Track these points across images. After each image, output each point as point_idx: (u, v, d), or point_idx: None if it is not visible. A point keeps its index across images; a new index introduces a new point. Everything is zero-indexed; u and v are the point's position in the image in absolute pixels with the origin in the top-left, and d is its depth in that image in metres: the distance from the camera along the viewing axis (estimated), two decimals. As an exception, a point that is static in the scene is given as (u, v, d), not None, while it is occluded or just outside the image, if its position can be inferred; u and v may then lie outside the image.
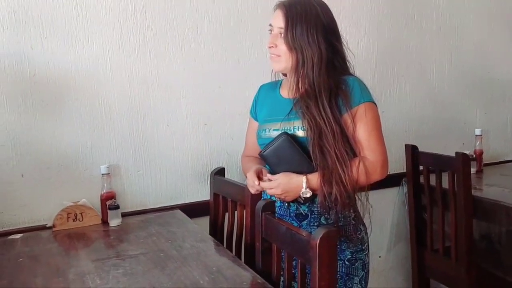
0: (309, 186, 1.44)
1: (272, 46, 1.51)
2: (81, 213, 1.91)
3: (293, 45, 1.47)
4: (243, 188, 1.75)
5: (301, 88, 1.50)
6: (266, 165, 1.58)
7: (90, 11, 1.93)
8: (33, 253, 1.65)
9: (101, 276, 1.44)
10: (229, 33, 2.16)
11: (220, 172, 2.02)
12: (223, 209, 1.96)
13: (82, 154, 1.97)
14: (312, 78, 1.47)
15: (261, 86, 1.74)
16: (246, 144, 1.78)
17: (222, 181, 1.97)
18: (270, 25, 1.54)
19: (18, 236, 1.82)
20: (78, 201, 1.93)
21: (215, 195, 2.00)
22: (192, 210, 2.07)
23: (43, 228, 1.89)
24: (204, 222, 2.04)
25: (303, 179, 1.44)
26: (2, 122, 1.84)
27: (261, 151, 1.53)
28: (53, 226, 1.88)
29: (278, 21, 1.50)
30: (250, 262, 1.59)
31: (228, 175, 2.07)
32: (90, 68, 1.95)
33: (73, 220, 1.90)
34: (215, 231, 1.96)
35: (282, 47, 1.49)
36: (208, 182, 2.09)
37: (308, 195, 1.44)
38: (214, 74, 2.16)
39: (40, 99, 1.89)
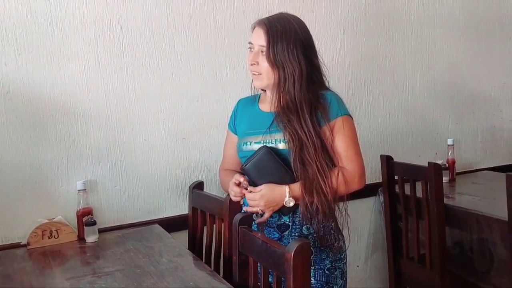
0: (292, 196, 1.47)
1: (254, 64, 1.55)
2: (56, 230, 1.89)
3: (275, 62, 1.51)
4: (222, 202, 1.76)
5: (282, 102, 1.53)
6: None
7: (66, 28, 1.93)
8: (6, 272, 1.63)
9: (78, 294, 1.43)
10: (206, 48, 2.19)
11: (199, 185, 2.03)
12: (201, 223, 1.96)
13: (58, 170, 1.96)
14: (294, 93, 1.51)
15: (239, 100, 1.76)
16: (224, 157, 1.80)
17: (200, 195, 1.98)
18: (250, 42, 1.57)
19: (-9, 255, 1.80)
20: (54, 218, 1.91)
21: (193, 209, 2.00)
22: (171, 224, 2.07)
23: (18, 246, 1.87)
24: (183, 236, 2.04)
25: (285, 188, 1.48)
26: (-19, 139, 1.82)
27: (242, 165, 1.55)
28: (28, 244, 1.85)
29: (259, 39, 1.53)
30: (228, 276, 1.60)
31: (206, 189, 2.07)
32: (66, 84, 1.95)
33: (48, 238, 1.88)
34: (194, 245, 1.96)
35: (264, 65, 1.53)
36: (187, 196, 2.10)
37: (292, 203, 1.48)
38: (191, 88, 2.17)
39: (14, 116, 1.88)
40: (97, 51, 2.00)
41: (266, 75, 1.55)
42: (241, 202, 1.60)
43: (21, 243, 1.86)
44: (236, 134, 1.73)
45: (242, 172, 1.58)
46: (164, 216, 2.14)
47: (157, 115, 2.13)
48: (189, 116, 2.18)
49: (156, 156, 2.13)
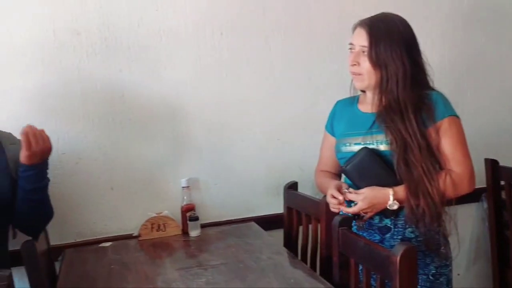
0: (396, 198, 1.47)
1: (355, 64, 1.56)
2: (163, 224, 2.04)
3: (377, 62, 1.51)
4: (318, 203, 1.80)
5: (384, 102, 1.54)
6: (346, 180, 1.62)
7: (171, 35, 2.06)
8: (123, 261, 1.79)
9: (186, 284, 1.54)
10: (301, 49, 2.22)
11: (293, 186, 2.08)
12: (296, 223, 2.01)
13: (165, 168, 2.10)
14: (397, 93, 1.51)
15: (337, 102, 1.79)
16: (320, 159, 1.83)
17: (295, 195, 2.02)
18: (351, 43, 1.59)
19: (108, 244, 1.98)
20: (161, 212, 2.06)
21: (288, 209, 2.06)
22: (266, 222, 2.14)
23: (130, 237, 2.03)
24: (278, 235, 2.09)
25: (389, 191, 1.48)
26: (95, 138, 2.02)
27: (342, 166, 1.58)
28: (139, 235, 2.02)
29: (361, 39, 1.54)
30: (325, 275, 1.63)
31: (300, 189, 2.11)
32: (172, 89, 2.09)
33: (157, 230, 2.03)
34: (289, 244, 2.01)
35: (365, 65, 1.54)
36: (281, 196, 2.16)
37: (395, 207, 1.48)
38: (286, 90, 2.22)
39: (128, 118, 2.05)
40: (200, 56, 2.11)
41: (367, 75, 1.55)
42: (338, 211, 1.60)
43: (133, 235, 2.03)
44: (333, 135, 1.75)
45: (342, 173, 1.61)
46: (260, 214, 2.21)
47: (254, 116, 2.21)
48: (284, 118, 2.23)
49: (252, 156, 2.22)
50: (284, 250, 1.82)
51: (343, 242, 1.47)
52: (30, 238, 1.61)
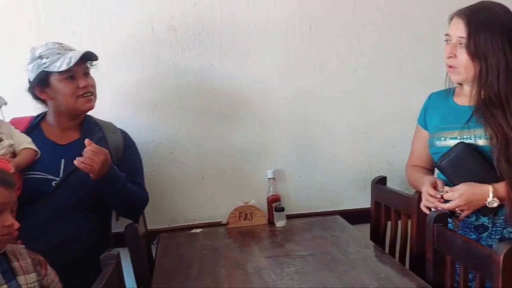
0: (496, 196, 1.41)
1: (451, 57, 1.51)
2: (250, 213, 2.10)
3: (476, 54, 1.45)
4: (409, 198, 1.76)
5: (484, 96, 1.47)
6: (439, 175, 1.57)
7: (261, 29, 2.11)
8: (214, 247, 1.87)
9: (276, 272, 1.58)
10: (391, 41, 2.18)
11: (382, 180, 2.04)
12: (385, 218, 1.98)
13: (252, 159, 2.16)
14: (498, 87, 1.44)
15: (431, 94, 1.73)
16: (412, 153, 1.78)
17: (384, 190, 1.99)
18: (447, 34, 1.53)
19: (199, 230, 2.07)
20: (248, 202, 2.12)
21: (376, 203, 2.03)
22: (352, 216, 2.12)
23: (219, 224, 2.11)
24: (364, 229, 2.07)
25: (489, 188, 1.42)
26: (188, 130, 2.11)
27: (437, 162, 1.53)
28: (227, 223, 2.09)
29: (458, 30, 1.49)
30: (415, 272, 1.59)
31: (389, 184, 2.08)
32: (261, 82, 2.13)
33: (244, 219, 2.09)
34: (376, 239, 1.98)
35: (463, 57, 1.48)
36: (368, 190, 2.13)
37: (495, 204, 1.41)
38: (375, 83, 2.19)
39: (218, 111, 2.13)
40: (288, 49, 2.14)
41: (464, 68, 1.49)
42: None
43: (222, 222, 2.11)
44: (426, 129, 1.70)
45: (437, 168, 1.56)
46: (346, 208, 2.20)
47: (341, 110, 2.20)
48: (372, 111, 2.20)
49: (339, 149, 2.21)
50: (372, 245, 1.80)
51: (438, 238, 1.43)
52: (131, 221, 1.74)
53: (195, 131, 2.12)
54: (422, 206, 1.55)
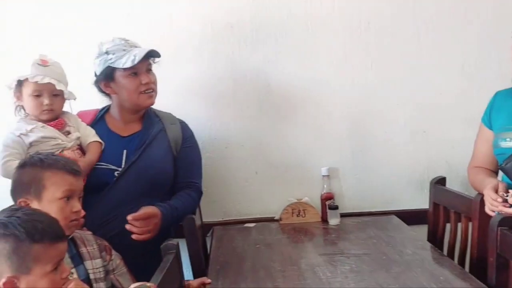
0: None
1: None
2: (303, 210, 2.10)
3: None
4: (470, 200, 1.70)
5: None
6: (504, 178, 1.51)
7: (319, 26, 2.10)
8: (267, 241, 1.88)
9: (330, 270, 1.57)
10: (452, 39, 2.11)
11: (441, 181, 1.98)
12: (443, 219, 1.92)
13: (306, 156, 2.16)
14: None
15: (497, 93, 1.67)
16: (474, 154, 1.72)
17: (444, 191, 1.93)
18: None
19: (252, 225, 2.09)
20: (302, 199, 2.11)
21: (435, 205, 1.97)
22: (408, 217, 2.07)
23: (271, 220, 2.12)
24: (420, 230, 2.02)
25: None
26: (242, 125, 2.14)
27: (501, 164, 1.47)
28: (280, 219, 2.10)
29: None
30: (476, 276, 1.54)
31: (448, 185, 2.01)
32: (316, 79, 2.12)
33: (297, 216, 2.09)
34: (434, 241, 1.93)
35: None
36: (425, 191, 2.08)
37: None
38: (435, 81, 2.13)
39: (273, 107, 2.14)
40: (345, 46, 2.11)
41: None
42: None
43: (274, 218, 2.12)
44: (491, 129, 1.64)
45: (501, 170, 1.50)
46: (401, 209, 2.16)
47: (398, 108, 2.15)
48: (431, 109, 2.15)
49: (395, 148, 2.17)
50: (429, 246, 1.76)
51: (502, 242, 1.37)
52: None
53: (250, 126, 2.14)
54: (487, 209, 1.49)
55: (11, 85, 1.54)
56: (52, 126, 1.57)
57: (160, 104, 1.88)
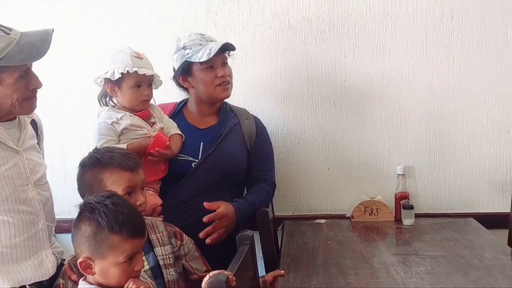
0: None
1: None
2: (376, 209, 2.06)
3: None
4: (559, 205, 1.59)
5: None
6: None
7: (398, 20, 2.05)
8: (338, 238, 1.87)
9: (404, 270, 1.53)
10: (544, 34, 1.99)
11: (525, 184, 1.88)
12: (527, 224, 1.82)
13: (380, 153, 2.12)
14: None
15: None
16: None
17: (528, 195, 1.83)
18: None
19: (322, 221, 2.09)
20: (375, 197, 2.08)
21: (518, 208, 1.88)
22: (487, 220, 1.99)
23: (342, 217, 2.11)
24: (501, 235, 1.92)
25: None
26: (316, 121, 2.14)
27: None
28: (352, 217, 2.08)
29: None
30: None
31: (533, 189, 1.91)
32: (394, 75, 2.08)
33: (369, 214, 2.07)
34: (517, 247, 1.83)
35: None
36: (507, 194, 1.98)
37: None
38: (522, 78, 2.01)
39: (348, 103, 2.12)
40: (426, 41, 2.05)
41: None
42: None
43: (346, 215, 2.11)
44: None
45: None
46: (480, 211, 2.07)
47: (481, 106, 2.06)
48: (517, 109, 2.03)
49: (476, 148, 2.08)
50: (510, 251, 1.67)
51: None
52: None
53: (323, 122, 2.13)
54: None
55: (113, 76, 1.58)
56: (139, 116, 1.65)
57: (235, 99, 1.94)
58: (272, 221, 1.97)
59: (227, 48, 1.77)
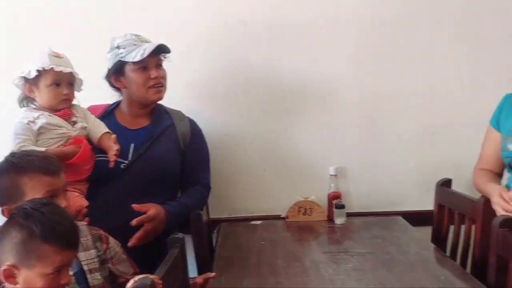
0: None
1: None
2: (310, 208, 2.12)
3: None
4: (474, 202, 1.71)
5: None
6: (510, 179, 1.52)
7: (332, 25, 2.10)
8: (272, 238, 1.90)
9: (333, 267, 1.59)
10: (464, 42, 2.12)
11: (447, 183, 1.98)
12: (448, 221, 1.93)
13: (314, 155, 2.18)
14: None
15: (506, 96, 1.68)
16: (481, 156, 1.74)
17: (449, 193, 1.94)
18: None
19: (258, 222, 2.12)
20: (308, 197, 2.13)
21: (439, 206, 1.98)
22: (413, 218, 2.08)
23: (278, 217, 2.14)
24: (425, 232, 2.02)
25: None
26: (253, 123, 2.16)
27: (509, 163, 1.49)
28: (286, 217, 2.12)
29: None
30: (477, 277, 1.55)
31: (454, 187, 2.01)
32: (328, 78, 2.14)
33: (303, 214, 2.12)
34: (438, 242, 1.93)
35: None
36: (432, 192, 2.08)
37: None
38: (447, 83, 2.14)
39: (284, 105, 2.16)
40: (358, 46, 2.12)
41: None
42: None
43: (281, 216, 2.14)
44: (499, 131, 1.65)
45: (508, 169, 1.51)
46: (407, 210, 2.16)
47: (408, 110, 2.16)
48: (441, 112, 2.15)
49: (404, 149, 2.18)
50: (432, 247, 1.77)
51: (502, 244, 1.38)
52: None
53: (260, 124, 2.16)
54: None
55: (30, 75, 1.53)
56: (59, 116, 1.58)
57: (171, 99, 1.92)
58: (207, 223, 1.97)
59: (162, 49, 1.76)
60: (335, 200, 2.09)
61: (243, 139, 2.17)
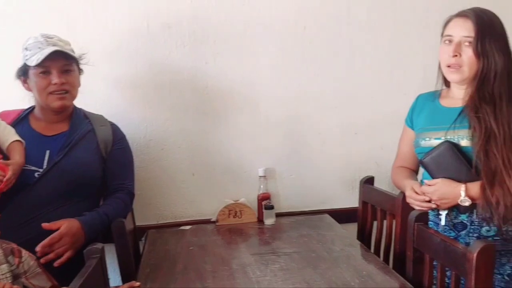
0: (468, 195, 1.44)
1: (456, 55, 1.52)
2: (240, 211, 2.12)
3: (481, 54, 1.49)
4: (393, 198, 1.78)
5: (480, 94, 1.51)
6: (424, 173, 1.61)
7: (257, 29, 2.12)
8: (201, 243, 1.88)
9: (260, 268, 1.60)
10: (383, 45, 2.21)
11: (369, 181, 2.06)
12: (371, 217, 2.00)
13: (243, 157, 2.18)
14: (493, 85, 1.49)
15: (419, 96, 1.76)
16: (398, 154, 1.81)
17: (372, 190, 2.01)
18: (449, 35, 1.55)
19: (187, 227, 2.09)
20: (238, 200, 2.14)
21: (363, 203, 2.05)
22: (340, 215, 2.15)
23: (208, 222, 2.13)
24: (351, 228, 2.09)
25: (461, 187, 1.45)
26: (180, 127, 2.13)
27: (421, 159, 1.57)
28: (217, 220, 2.11)
29: (464, 30, 1.52)
30: (398, 270, 1.62)
31: (376, 184, 2.10)
32: (253, 81, 2.15)
33: (233, 217, 2.11)
34: (363, 238, 2.00)
35: (467, 56, 1.51)
36: (356, 190, 2.15)
37: (467, 203, 1.45)
38: (366, 85, 2.22)
39: (211, 108, 2.15)
40: (283, 49, 2.15)
41: (468, 67, 1.51)
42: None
43: (211, 220, 2.13)
44: (413, 129, 1.73)
45: (421, 165, 1.59)
46: (334, 208, 2.23)
47: (332, 111, 2.22)
48: (363, 112, 2.23)
49: (329, 149, 2.23)
50: (357, 243, 1.83)
51: (418, 237, 1.45)
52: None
53: (187, 128, 2.14)
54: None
55: None
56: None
57: (93, 103, 1.86)
58: (133, 231, 1.92)
59: (63, 54, 1.65)
60: (264, 201, 2.11)
61: (170, 144, 2.14)
